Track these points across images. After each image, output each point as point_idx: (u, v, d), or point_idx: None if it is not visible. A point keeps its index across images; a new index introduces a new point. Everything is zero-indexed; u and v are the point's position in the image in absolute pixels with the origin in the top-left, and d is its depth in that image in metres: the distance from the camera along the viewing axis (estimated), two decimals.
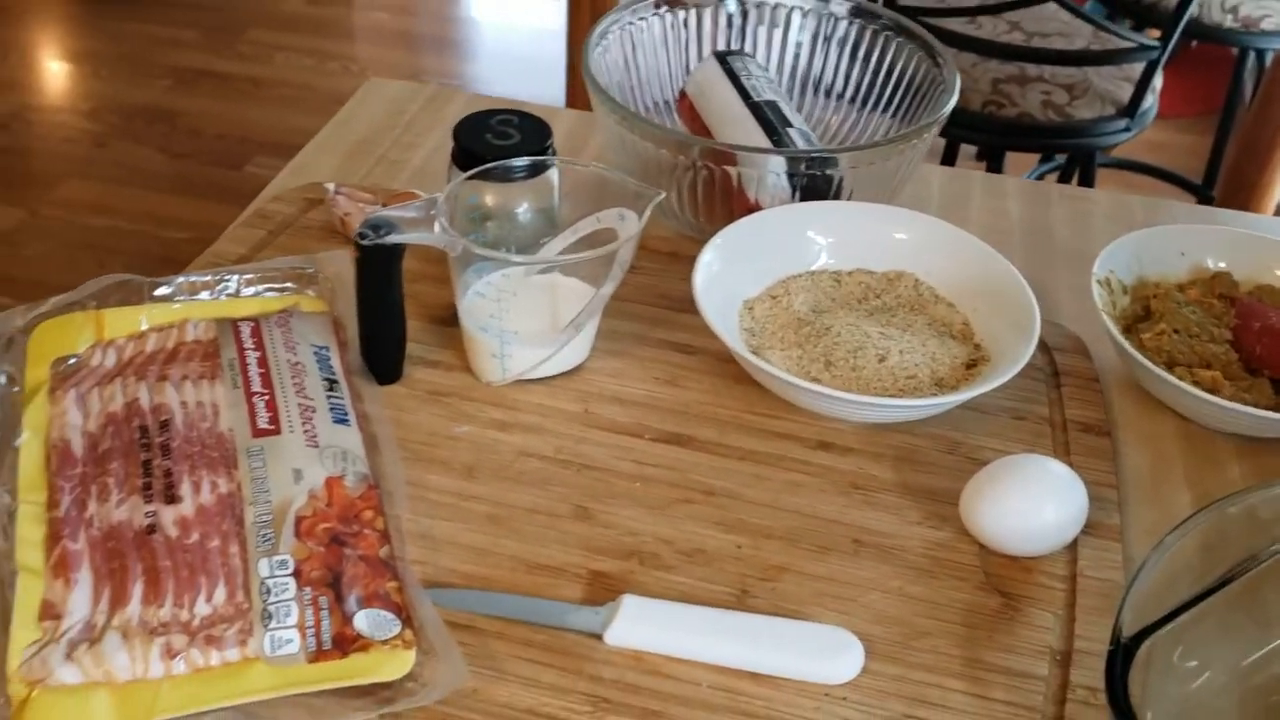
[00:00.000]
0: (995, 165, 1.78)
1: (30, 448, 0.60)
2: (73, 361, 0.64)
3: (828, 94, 0.92)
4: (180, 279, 0.69)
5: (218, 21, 2.86)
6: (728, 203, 0.79)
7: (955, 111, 0.79)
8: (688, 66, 0.90)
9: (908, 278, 0.74)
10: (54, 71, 2.72)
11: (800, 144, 0.81)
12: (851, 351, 0.67)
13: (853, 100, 0.91)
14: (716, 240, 0.72)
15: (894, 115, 0.87)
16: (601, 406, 0.69)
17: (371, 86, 0.99)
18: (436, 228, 0.63)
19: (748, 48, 0.92)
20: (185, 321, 0.67)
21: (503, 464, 0.65)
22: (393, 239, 0.63)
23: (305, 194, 0.82)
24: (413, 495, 0.62)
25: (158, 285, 0.69)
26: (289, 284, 0.71)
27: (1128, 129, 1.63)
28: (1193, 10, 1.58)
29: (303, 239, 0.78)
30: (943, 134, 1.70)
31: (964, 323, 0.72)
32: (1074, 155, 1.88)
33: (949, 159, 1.80)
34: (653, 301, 0.76)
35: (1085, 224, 0.89)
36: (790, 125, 0.82)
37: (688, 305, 0.74)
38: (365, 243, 0.63)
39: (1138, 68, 1.60)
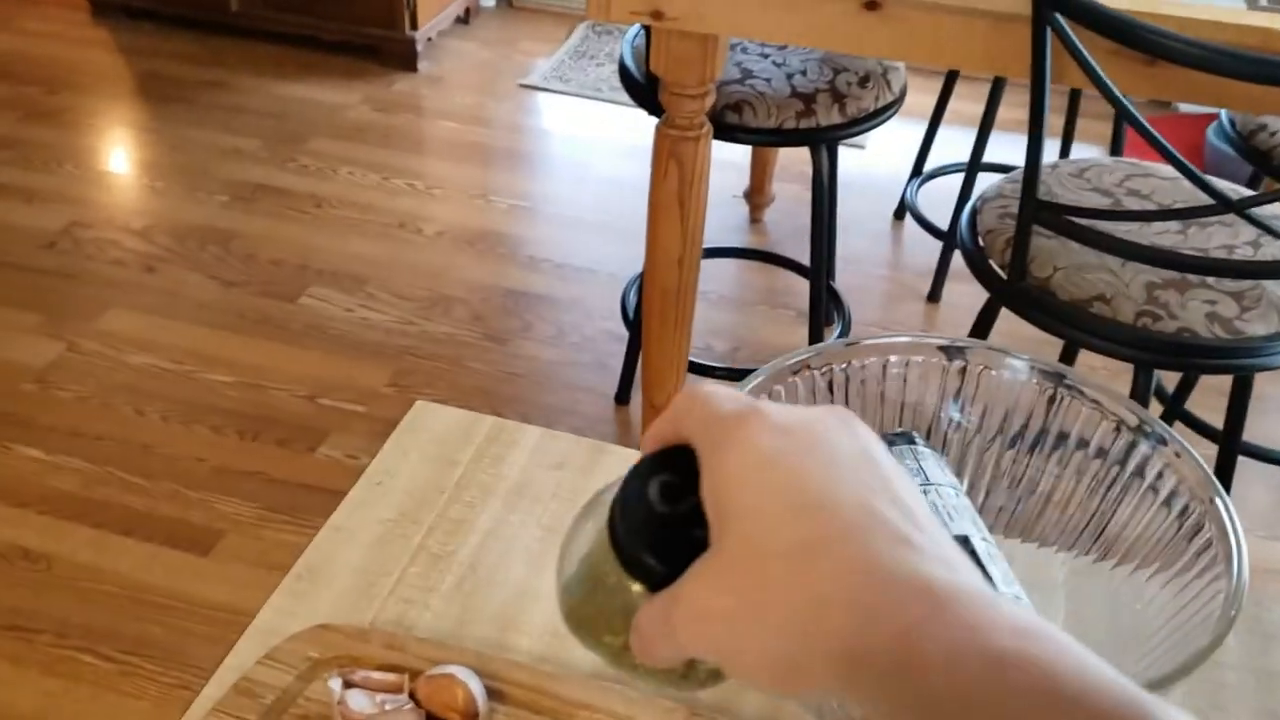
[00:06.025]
0: (1146, 380, 1.53)
1: None
2: None
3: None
4: None
5: (281, 130, 2.71)
6: None
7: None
8: None
9: None
10: (109, 184, 2.59)
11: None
12: None
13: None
14: None
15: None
16: None
17: (419, 413, 0.79)
18: None
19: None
20: None
21: None
22: None
23: (310, 647, 0.61)
24: None
25: None
26: None
27: None
28: None
29: None
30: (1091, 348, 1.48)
31: None
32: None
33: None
34: None
35: None
36: (990, 579, 0.60)
37: None
38: None
39: None
